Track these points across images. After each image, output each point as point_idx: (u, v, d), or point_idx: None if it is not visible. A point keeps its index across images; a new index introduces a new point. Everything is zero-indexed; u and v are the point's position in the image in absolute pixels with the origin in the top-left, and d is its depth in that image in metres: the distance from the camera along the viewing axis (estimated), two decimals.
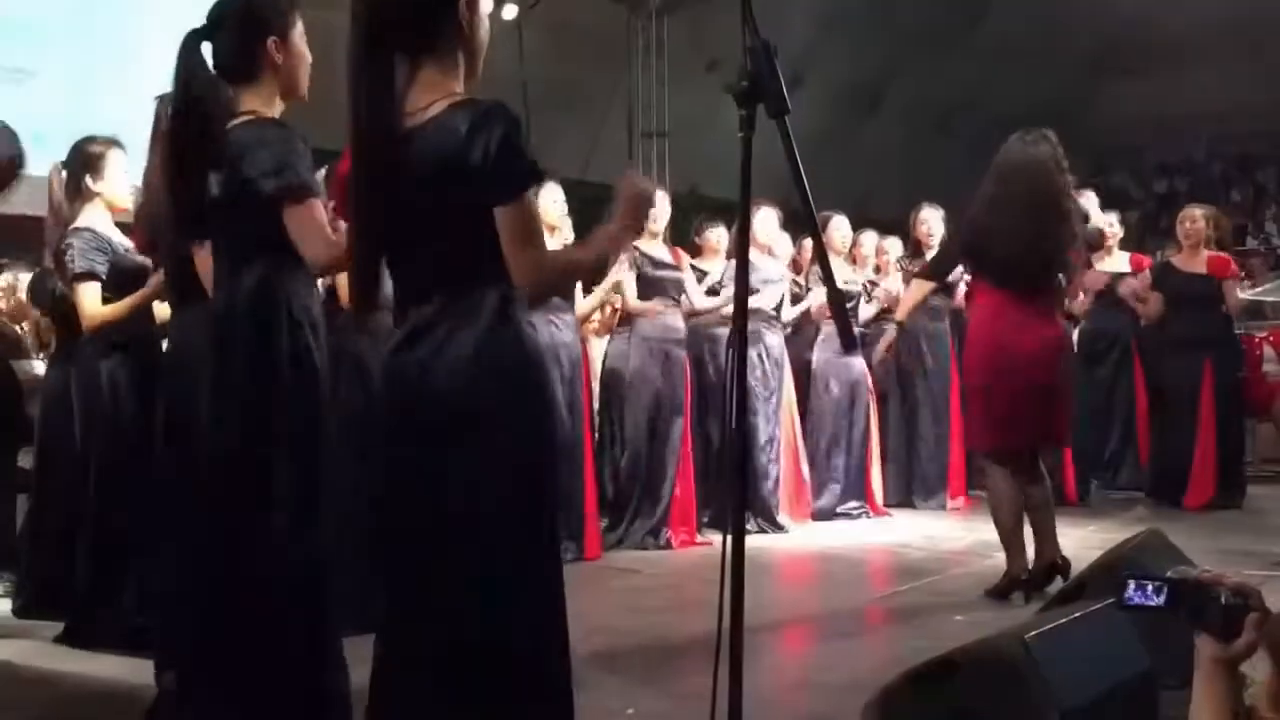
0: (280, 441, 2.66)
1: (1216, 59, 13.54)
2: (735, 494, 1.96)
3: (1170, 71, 13.67)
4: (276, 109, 2.76)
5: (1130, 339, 7.19)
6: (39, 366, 5.01)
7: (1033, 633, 2.56)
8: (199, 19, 2.78)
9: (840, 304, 1.95)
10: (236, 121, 2.69)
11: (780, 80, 1.83)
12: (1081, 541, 5.65)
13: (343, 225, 2.64)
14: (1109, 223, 7.30)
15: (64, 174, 4.09)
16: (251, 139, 2.64)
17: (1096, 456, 7.22)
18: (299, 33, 2.78)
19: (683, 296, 5.94)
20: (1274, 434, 7.84)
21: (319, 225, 2.60)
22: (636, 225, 2.23)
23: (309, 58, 2.80)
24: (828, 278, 2.06)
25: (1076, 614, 2.75)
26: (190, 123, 2.70)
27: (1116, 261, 7.23)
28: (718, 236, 6.23)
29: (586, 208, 5.82)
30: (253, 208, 2.61)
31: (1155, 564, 3.01)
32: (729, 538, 1.90)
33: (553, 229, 5.43)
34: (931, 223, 6.92)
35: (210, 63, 2.73)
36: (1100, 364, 7.22)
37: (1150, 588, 1.58)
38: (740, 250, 2.03)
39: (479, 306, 2.02)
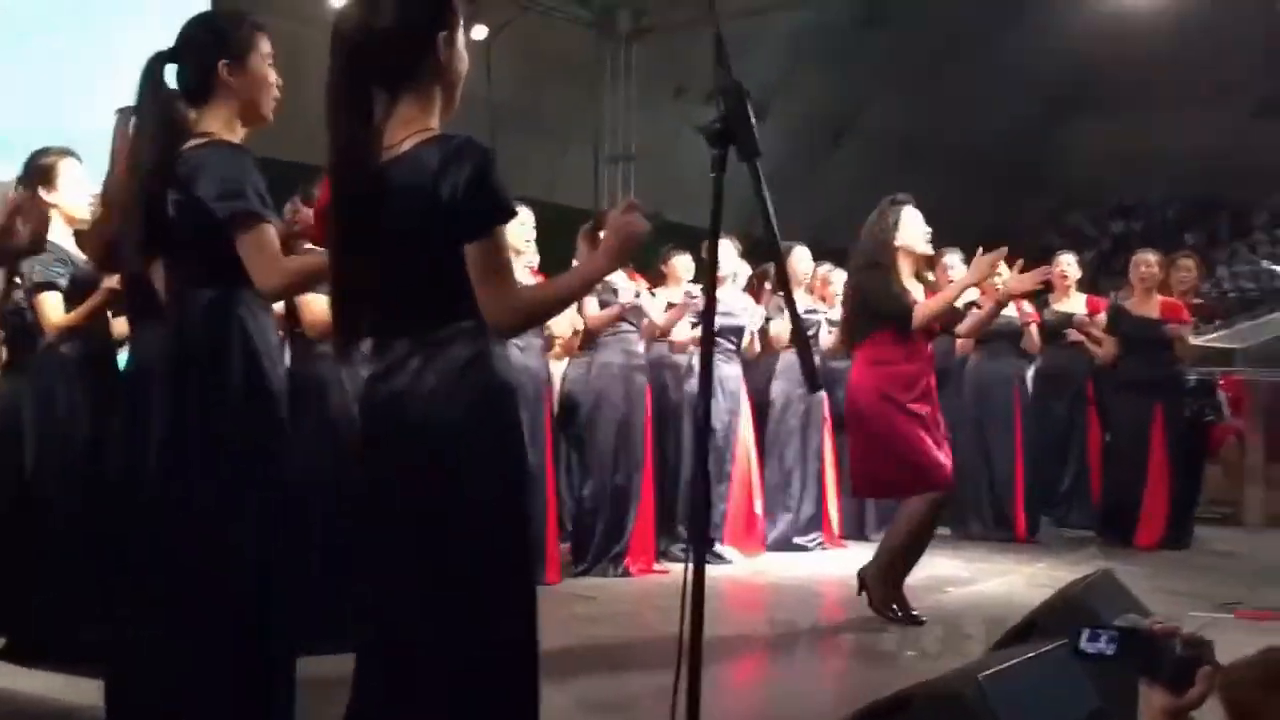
0: (234, 464, 2.65)
1: (1174, 102, 13.80)
2: (696, 531, 1.97)
3: (1130, 113, 13.93)
4: (237, 131, 2.75)
5: (1085, 379, 7.29)
6: None
7: (987, 672, 2.58)
8: (164, 28, 2.78)
9: (804, 343, 1.95)
10: (193, 143, 2.69)
11: (752, 123, 1.85)
12: (1031, 579, 5.72)
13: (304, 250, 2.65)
14: (1067, 263, 7.40)
15: (19, 188, 4.05)
16: (204, 162, 2.63)
17: (1049, 494, 7.30)
18: (260, 55, 2.76)
19: (644, 320, 5.93)
20: (1220, 476, 7.96)
21: (268, 252, 2.60)
22: (624, 262, 2.21)
23: (272, 80, 2.78)
24: (793, 315, 2.07)
25: (1030, 654, 2.77)
26: (149, 143, 2.69)
27: (1074, 303, 7.34)
28: (683, 265, 6.24)
29: (551, 230, 5.82)
30: (205, 230, 2.61)
31: (1106, 605, 3.04)
32: (689, 575, 1.91)
33: (517, 252, 5.43)
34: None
35: (176, 84, 2.73)
36: (1055, 403, 7.32)
37: (1104, 638, 1.60)
38: (709, 287, 2.04)
39: (453, 339, 2.03)
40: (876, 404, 4.64)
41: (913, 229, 4.71)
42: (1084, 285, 7.66)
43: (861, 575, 4.81)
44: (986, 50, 12.88)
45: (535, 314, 2.16)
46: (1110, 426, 7.15)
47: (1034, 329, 7.12)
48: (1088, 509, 7.26)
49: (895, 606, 4.72)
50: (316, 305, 4.05)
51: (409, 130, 2.07)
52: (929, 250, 4.78)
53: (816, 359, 6.48)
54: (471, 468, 2.02)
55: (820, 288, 6.96)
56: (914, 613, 4.71)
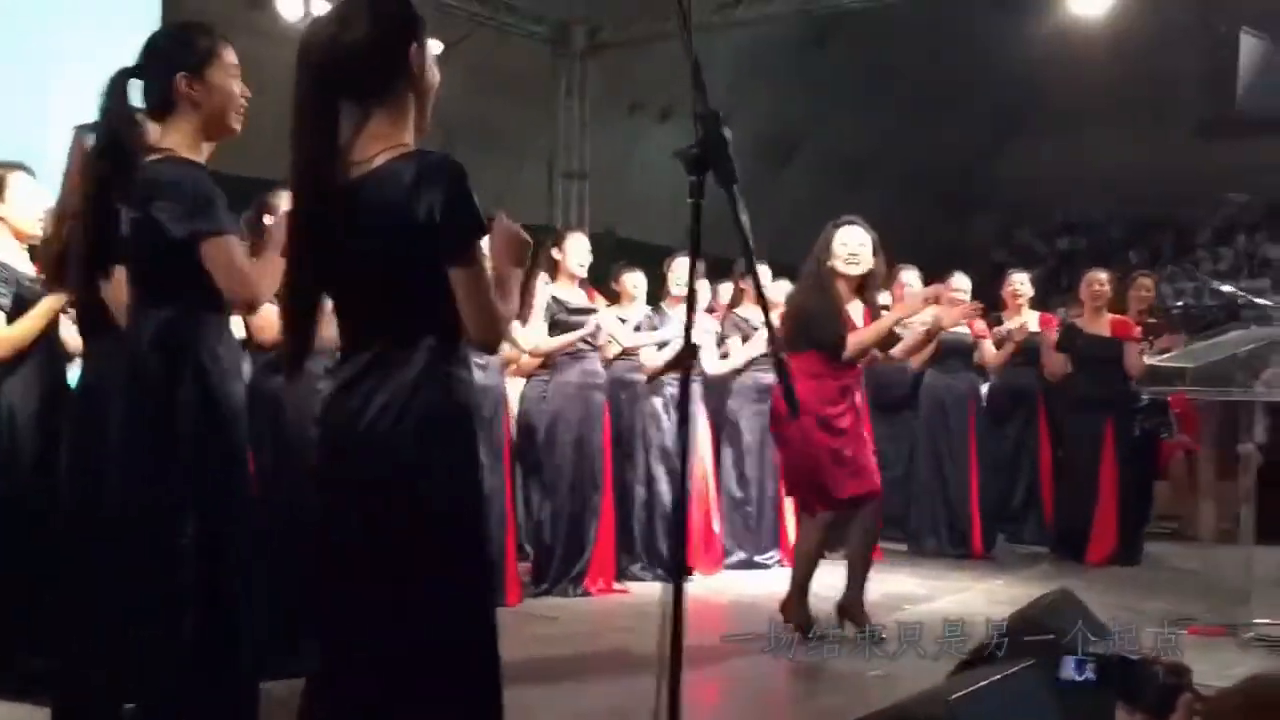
0: (191, 483, 2.62)
1: (1118, 120, 14.06)
2: (676, 553, 1.95)
3: (1075, 131, 14.16)
4: (200, 147, 2.72)
5: (1037, 397, 7.36)
6: None
7: (956, 694, 2.58)
8: (114, 43, 2.75)
9: (782, 366, 1.95)
10: (151, 159, 2.65)
11: (729, 148, 1.85)
12: (990, 595, 5.75)
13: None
14: (1020, 281, 7.48)
15: None
16: (160, 179, 2.61)
17: (1002, 510, 7.36)
18: (223, 67, 2.73)
19: (607, 342, 5.91)
20: (1169, 491, 8.07)
21: (233, 265, 2.59)
22: (518, 263, 2.18)
23: (236, 93, 2.75)
24: (772, 337, 2.07)
25: (997, 675, 2.77)
26: (108, 159, 2.65)
27: (1026, 320, 7.40)
28: (634, 282, 6.22)
29: None
30: (161, 248, 2.59)
31: (1067, 625, 3.05)
32: (669, 599, 1.90)
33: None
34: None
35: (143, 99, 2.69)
36: (1008, 420, 7.39)
37: (1085, 666, 1.60)
38: (688, 310, 2.06)
39: (411, 356, 2.02)
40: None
41: (838, 250, 4.77)
42: (1034, 302, 7.74)
43: (840, 605, 4.90)
44: (934, 69, 13.04)
45: (508, 325, 2.18)
46: (1062, 443, 7.22)
47: (986, 344, 7.19)
48: (1040, 525, 7.32)
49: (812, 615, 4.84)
50: (267, 315, 3.99)
51: (382, 145, 2.04)
52: (850, 271, 4.80)
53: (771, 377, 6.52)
54: (424, 486, 2.01)
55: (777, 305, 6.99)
56: (872, 627, 4.79)
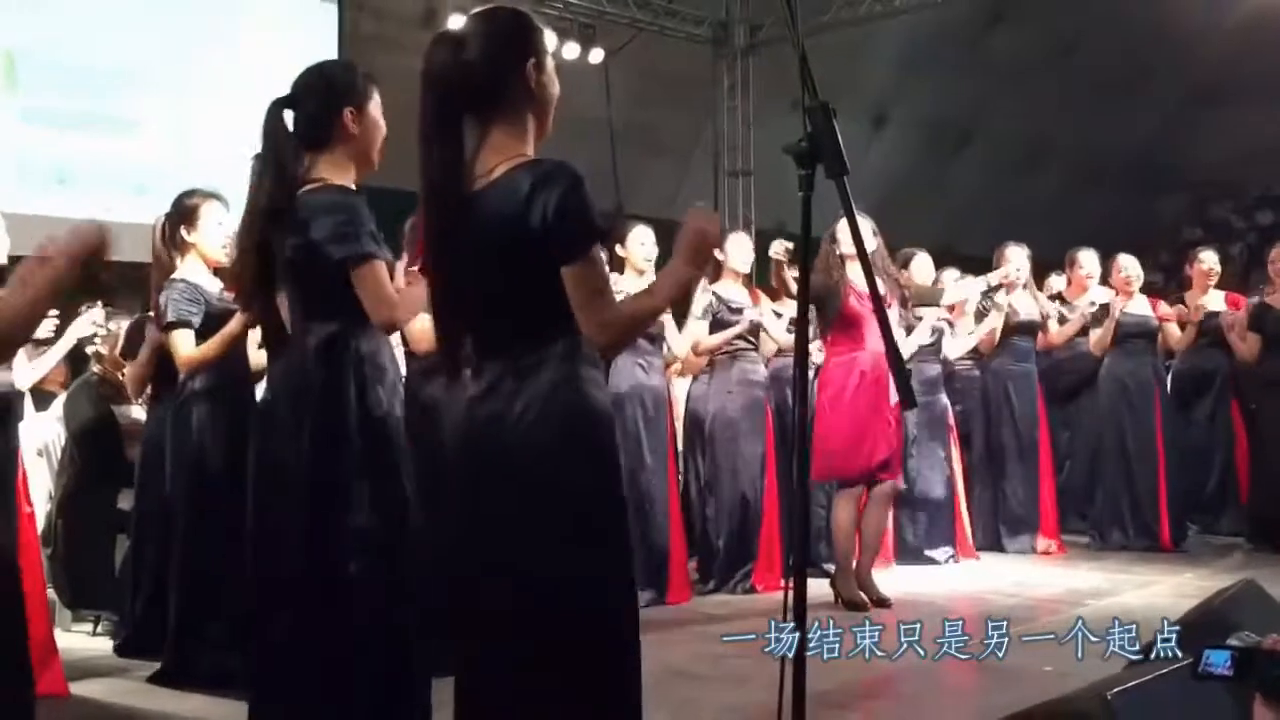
0: (352, 486, 2.74)
1: None
2: (797, 544, 1.96)
3: (1271, 104, 13.33)
4: (349, 176, 2.86)
5: (1227, 378, 7.00)
6: (138, 412, 5.18)
7: (1115, 690, 2.51)
8: (296, 71, 2.90)
9: (897, 355, 1.92)
10: (308, 187, 2.80)
11: (839, 141, 1.85)
12: (1177, 589, 5.50)
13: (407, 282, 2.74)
14: (1208, 259, 7.11)
15: (164, 226, 4.27)
16: (319, 205, 2.75)
17: (1194, 500, 7.02)
18: (375, 104, 2.89)
19: (764, 338, 5.91)
20: None
21: (379, 289, 2.72)
22: (700, 264, 2.19)
23: (384, 128, 2.91)
24: (882, 326, 2.03)
25: (1163, 670, 2.68)
26: (269, 187, 2.80)
27: (1212, 300, 7.06)
28: (794, 277, 6.19)
29: (673, 246, 5.84)
30: (321, 269, 2.73)
31: (1250, 618, 2.92)
32: (789, 592, 1.90)
33: (640, 271, 5.49)
34: (1017, 261, 6.83)
35: (291, 129, 2.84)
36: (1196, 405, 7.05)
37: (1222, 657, 1.55)
38: (800, 303, 2.05)
39: (544, 363, 2.07)
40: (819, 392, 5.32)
41: (840, 237, 5.27)
42: (1235, 279, 7.35)
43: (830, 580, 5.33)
44: (1115, 45, 12.51)
45: (633, 329, 2.20)
46: (1257, 428, 6.83)
47: (1170, 327, 6.88)
48: (1236, 514, 6.96)
49: (862, 595, 5.25)
50: (421, 327, 4.15)
51: (502, 157, 2.11)
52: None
53: (936, 369, 6.39)
54: (564, 490, 2.05)
55: None
56: (881, 596, 5.28)
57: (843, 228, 5.13)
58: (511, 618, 2.07)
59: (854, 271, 5.19)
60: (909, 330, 5.98)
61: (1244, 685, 1.53)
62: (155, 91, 7.85)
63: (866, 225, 5.16)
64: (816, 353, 5.61)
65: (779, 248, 5.87)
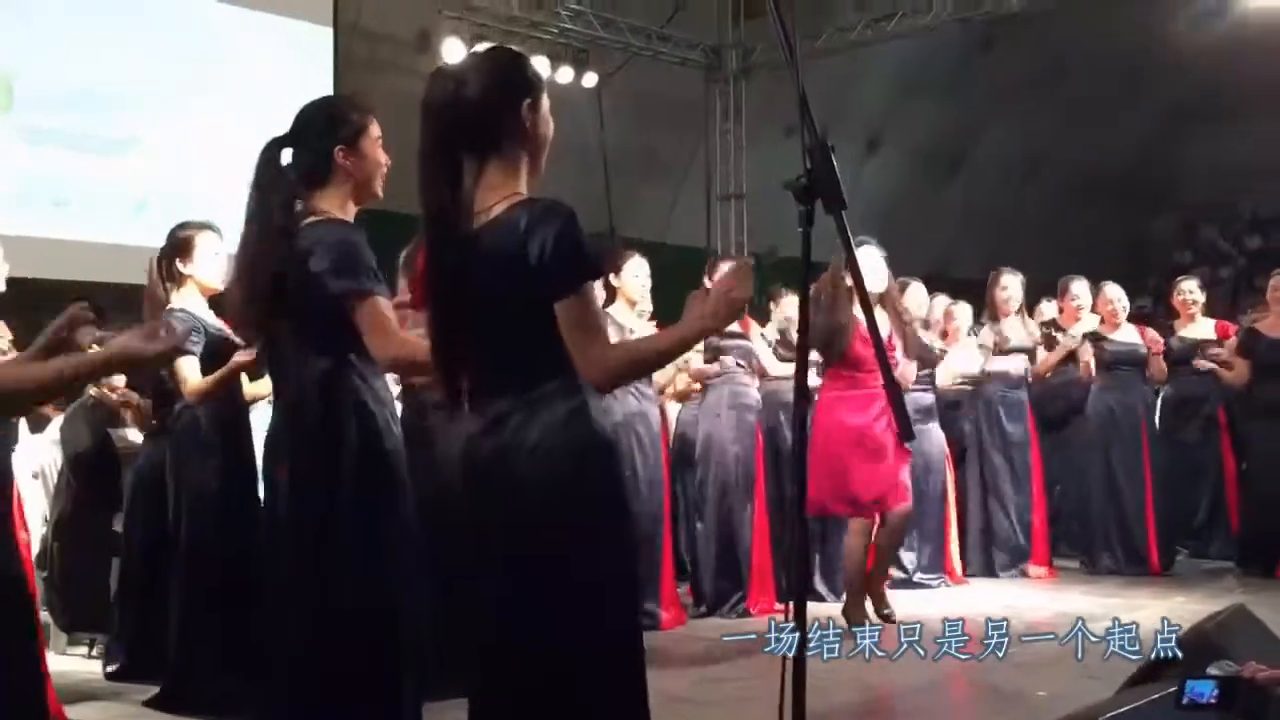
0: (349, 524, 2.75)
1: None
2: (794, 572, 1.99)
3: (1259, 123, 13.43)
4: (349, 210, 2.89)
5: (1216, 405, 7.04)
6: (135, 435, 5.20)
7: (1106, 716, 2.53)
8: (291, 94, 2.93)
9: (895, 385, 1.96)
10: (307, 222, 2.83)
11: (837, 177, 1.89)
12: (1168, 613, 5.49)
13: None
14: (1189, 289, 7.16)
15: (160, 261, 4.29)
16: (319, 240, 2.78)
17: (1184, 525, 7.06)
18: (371, 139, 2.91)
19: (755, 364, 5.94)
20: None
21: (379, 324, 2.72)
22: (723, 326, 2.22)
23: (382, 161, 2.93)
24: (879, 354, 2.07)
25: (1154, 696, 2.70)
26: (266, 224, 2.82)
27: (1200, 329, 7.09)
28: (792, 304, 6.23)
29: (666, 271, 5.89)
30: (320, 303, 2.74)
31: (1240, 642, 2.94)
32: (791, 611, 1.92)
33: (632, 303, 5.52)
34: (1012, 288, 6.88)
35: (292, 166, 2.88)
36: (1185, 430, 7.09)
37: (1207, 688, 1.58)
38: (801, 330, 2.09)
39: (549, 396, 2.10)
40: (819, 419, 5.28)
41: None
42: (1224, 303, 7.38)
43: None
44: (1103, 67, 12.61)
45: (629, 373, 2.21)
46: (1246, 453, 6.88)
47: (1159, 358, 6.92)
48: (1227, 539, 6.99)
49: (871, 613, 5.28)
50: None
51: (498, 195, 2.16)
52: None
53: (930, 397, 6.42)
54: (577, 520, 2.08)
55: (945, 321, 6.90)
56: (885, 611, 5.34)
57: (861, 257, 5.03)
58: (525, 644, 2.10)
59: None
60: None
61: (1229, 715, 1.56)
62: (152, 113, 7.87)
63: (877, 255, 5.23)
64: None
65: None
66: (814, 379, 5.74)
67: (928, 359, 6.03)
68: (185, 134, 7.89)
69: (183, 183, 7.63)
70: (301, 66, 8.33)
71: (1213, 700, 1.57)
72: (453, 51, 8.93)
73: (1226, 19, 10.94)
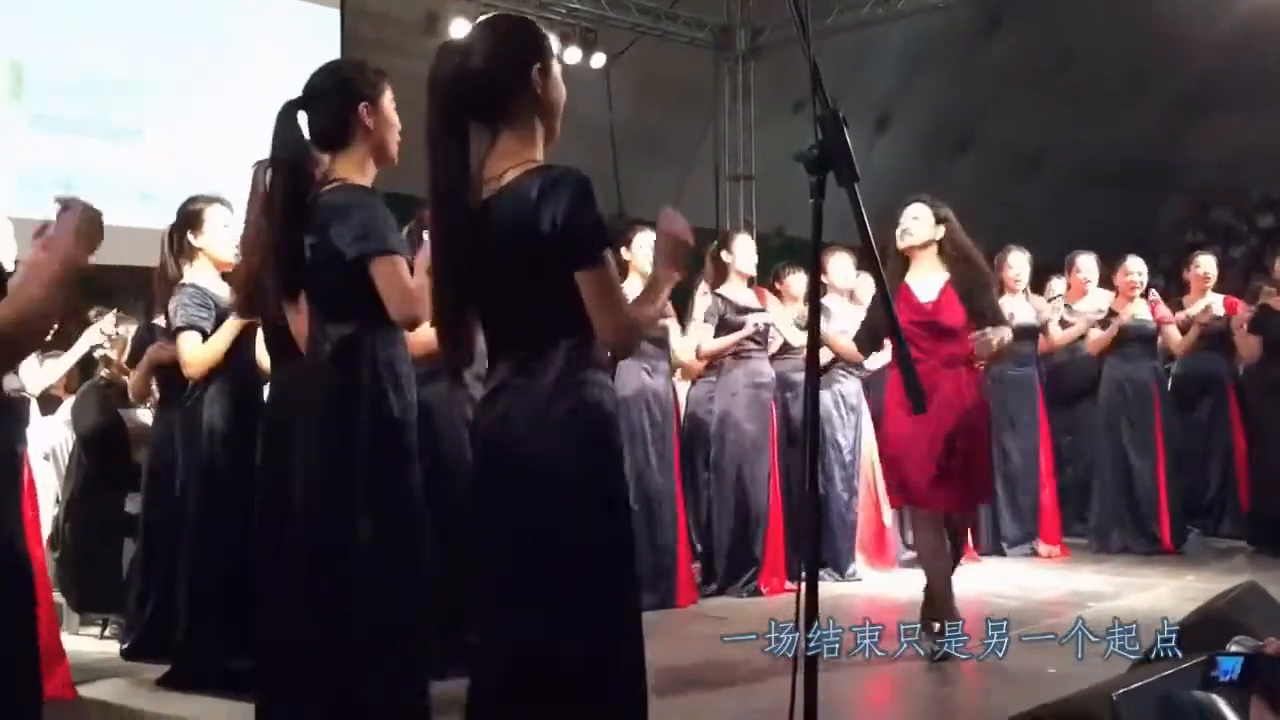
0: (361, 488, 2.76)
1: None
2: (806, 554, 1.98)
3: (1271, 107, 13.35)
4: (368, 174, 2.88)
5: (1227, 382, 7.02)
6: (146, 415, 5.21)
7: (1120, 691, 2.53)
8: (299, 77, 2.92)
9: (907, 359, 1.96)
10: (327, 187, 2.82)
11: (850, 149, 1.87)
12: (1179, 593, 5.52)
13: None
14: (1205, 263, 7.14)
15: (171, 234, 4.28)
16: (339, 204, 2.77)
17: (1194, 503, 7.04)
18: (388, 100, 2.91)
19: (773, 337, 5.92)
20: None
21: (399, 284, 2.73)
22: (678, 265, 2.30)
23: (398, 124, 2.92)
24: (894, 332, 2.06)
25: (1167, 672, 2.70)
26: (285, 189, 2.82)
27: (1210, 303, 7.06)
28: (798, 283, 6.22)
29: None
30: (340, 269, 2.74)
31: (1252, 620, 2.94)
32: (802, 590, 1.91)
33: (643, 275, 5.49)
34: (1018, 267, 6.85)
35: (306, 131, 2.86)
36: (1195, 408, 7.07)
37: (1233, 663, 1.57)
38: (812, 307, 2.08)
39: (546, 364, 2.11)
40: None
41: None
42: (1237, 282, 7.35)
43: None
44: (1114, 50, 12.52)
45: (644, 330, 2.28)
46: (1257, 431, 6.86)
47: (1171, 330, 6.90)
48: (1237, 517, 6.98)
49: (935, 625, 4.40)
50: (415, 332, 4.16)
51: (511, 162, 2.15)
52: (900, 246, 4.81)
53: None
54: (566, 488, 2.09)
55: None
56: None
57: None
58: (519, 614, 2.11)
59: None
60: None
61: (1245, 689, 1.55)
62: (160, 99, 7.86)
63: (922, 213, 4.90)
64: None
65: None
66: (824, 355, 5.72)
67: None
68: (194, 118, 7.88)
69: (191, 167, 7.61)
70: (309, 49, 8.29)
71: (1234, 677, 1.56)
72: (460, 33, 8.85)
73: (1240, 3, 10.85)
